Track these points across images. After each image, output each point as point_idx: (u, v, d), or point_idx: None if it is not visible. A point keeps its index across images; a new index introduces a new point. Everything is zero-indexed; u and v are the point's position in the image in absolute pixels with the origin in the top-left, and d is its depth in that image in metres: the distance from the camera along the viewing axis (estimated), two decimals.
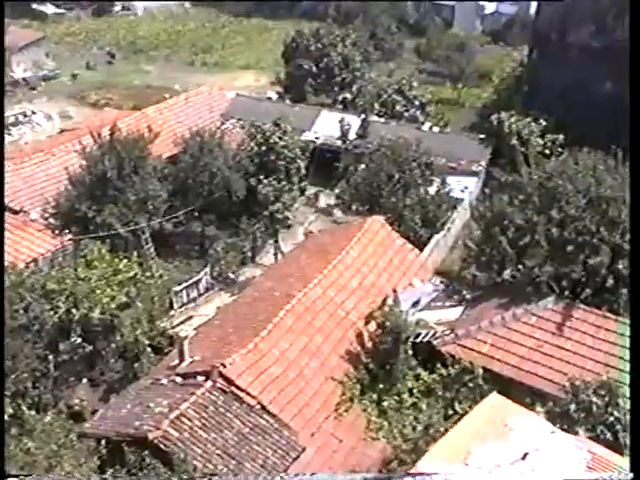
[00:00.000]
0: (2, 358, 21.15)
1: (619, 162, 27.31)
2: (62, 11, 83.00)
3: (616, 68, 41.76)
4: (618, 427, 19.83)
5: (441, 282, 29.18)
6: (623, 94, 41.12)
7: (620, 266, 24.36)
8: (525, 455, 16.34)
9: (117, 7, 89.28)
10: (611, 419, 19.81)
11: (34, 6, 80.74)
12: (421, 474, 15.40)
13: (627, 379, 20.84)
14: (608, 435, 19.76)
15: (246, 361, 21.66)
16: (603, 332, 23.95)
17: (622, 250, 24.49)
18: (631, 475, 13.89)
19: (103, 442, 19.32)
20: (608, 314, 24.62)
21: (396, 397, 23.16)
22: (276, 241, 36.79)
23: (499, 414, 17.98)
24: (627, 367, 22.51)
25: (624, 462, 17.15)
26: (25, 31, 68.50)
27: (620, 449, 19.80)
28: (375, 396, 23.20)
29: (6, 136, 46.21)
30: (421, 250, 31.68)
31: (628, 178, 26.27)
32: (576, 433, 19.40)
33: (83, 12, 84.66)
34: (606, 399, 19.99)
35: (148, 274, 28.62)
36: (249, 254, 36.50)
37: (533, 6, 56.55)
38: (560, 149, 39.54)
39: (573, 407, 20.08)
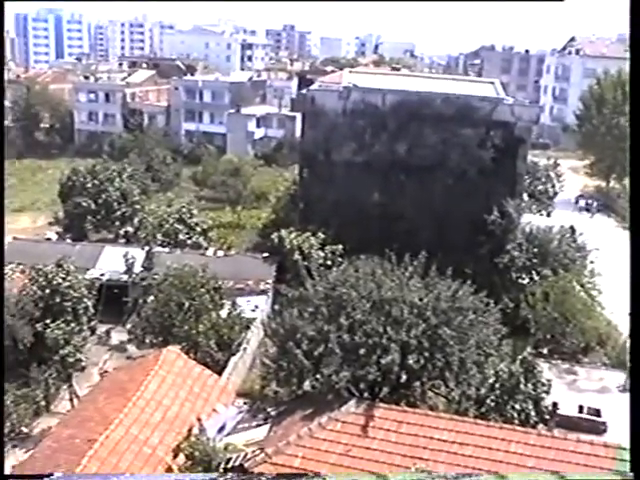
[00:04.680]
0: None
1: (394, 265, 29.24)
2: None
3: (379, 180, 45.44)
4: None
5: (244, 403, 29.15)
6: (389, 202, 44.92)
7: (410, 361, 25.71)
8: None
9: None
10: None
11: None
12: None
13: None
14: None
15: None
16: (405, 426, 24.97)
17: (409, 346, 25.95)
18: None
19: None
20: (407, 408, 25.82)
21: None
22: (70, 385, 35.19)
23: None
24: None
25: None
26: None
27: None
28: None
29: None
30: (220, 374, 31.62)
31: (405, 279, 28.29)
32: None
33: None
34: None
35: None
36: (43, 403, 34.51)
37: (298, 129, 60.11)
38: (340, 259, 41.61)
39: None
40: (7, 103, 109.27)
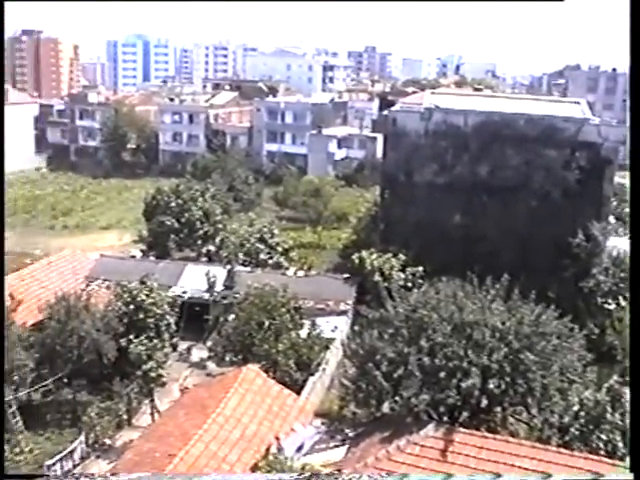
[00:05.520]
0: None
1: (476, 287, 28.80)
2: None
3: (461, 201, 44.98)
4: None
5: (322, 423, 29.09)
6: (471, 224, 44.40)
7: (491, 386, 25.20)
8: None
9: None
10: None
11: None
12: None
13: None
14: None
15: None
16: (485, 452, 24.44)
17: (490, 370, 25.46)
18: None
19: None
20: (487, 434, 25.26)
21: None
22: (152, 400, 35.78)
23: None
24: None
25: None
26: None
27: None
28: None
29: None
30: (299, 394, 31.66)
31: (487, 302, 27.81)
32: None
33: None
34: None
35: (17, 450, 27.03)
36: (125, 417, 35.22)
37: (380, 151, 60.08)
38: (421, 280, 41.22)
39: None
40: (96, 125, 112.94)
